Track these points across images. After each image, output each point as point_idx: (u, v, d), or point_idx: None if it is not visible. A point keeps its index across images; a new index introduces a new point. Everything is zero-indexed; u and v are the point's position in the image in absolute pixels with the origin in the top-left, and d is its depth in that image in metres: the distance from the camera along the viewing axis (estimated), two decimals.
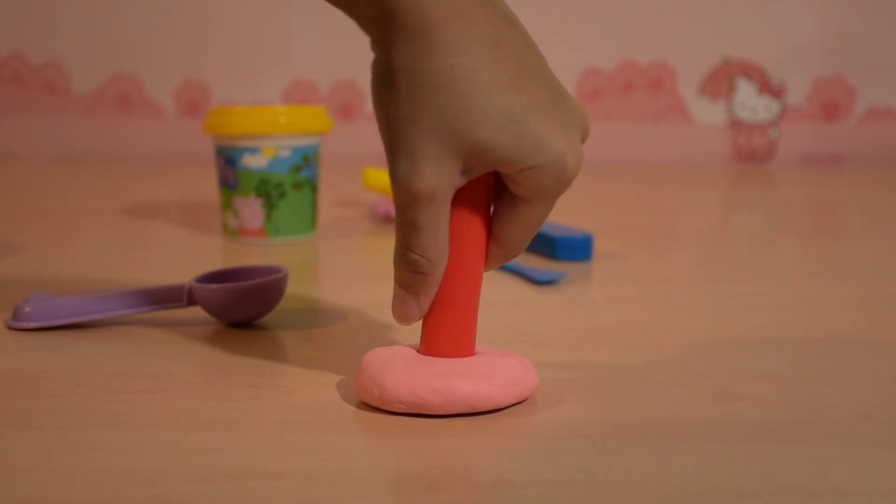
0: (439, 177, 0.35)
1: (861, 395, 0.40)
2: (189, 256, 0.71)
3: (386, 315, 0.53)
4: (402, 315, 0.38)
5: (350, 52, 1.51)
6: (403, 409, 0.37)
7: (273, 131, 0.72)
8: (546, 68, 0.36)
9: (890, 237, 0.81)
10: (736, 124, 1.52)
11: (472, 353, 0.40)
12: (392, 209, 0.87)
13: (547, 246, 0.70)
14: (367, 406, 0.39)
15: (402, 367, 0.38)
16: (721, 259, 0.71)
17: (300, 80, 1.52)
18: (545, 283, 0.62)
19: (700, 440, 0.35)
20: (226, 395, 0.40)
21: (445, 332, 0.39)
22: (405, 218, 0.36)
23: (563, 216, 0.92)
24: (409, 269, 0.37)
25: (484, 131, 0.34)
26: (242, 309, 0.49)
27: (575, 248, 0.69)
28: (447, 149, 0.35)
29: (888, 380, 0.42)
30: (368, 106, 1.53)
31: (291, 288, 0.60)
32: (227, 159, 0.74)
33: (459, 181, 0.36)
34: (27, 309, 0.49)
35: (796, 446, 0.35)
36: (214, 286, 0.49)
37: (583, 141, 0.37)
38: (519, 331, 0.50)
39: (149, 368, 0.43)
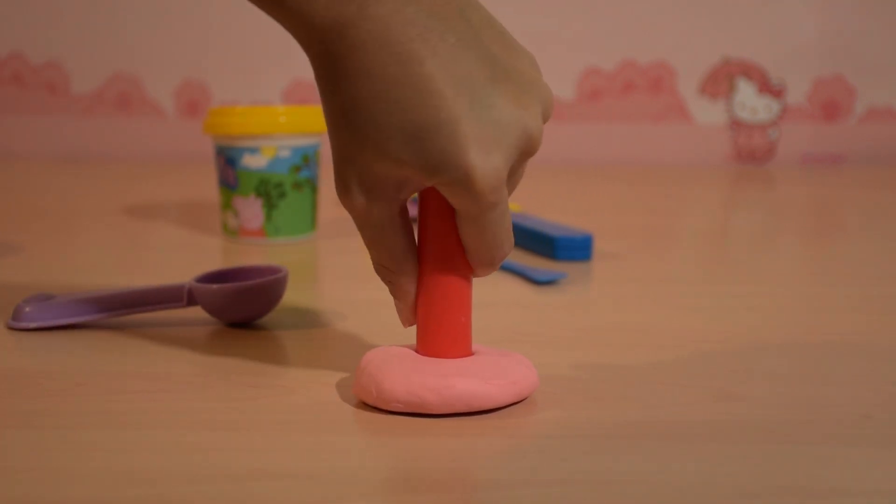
0: (367, 193, 0.36)
1: (861, 395, 0.40)
2: (189, 256, 0.71)
3: (386, 315, 0.53)
4: (402, 318, 0.41)
5: None
6: (401, 408, 0.37)
7: (273, 131, 0.72)
8: (480, 74, 0.35)
9: (890, 237, 0.81)
10: (736, 124, 1.52)
11: (469, 353, 0.40)
12: None
13: (547, 246, 0.70)
14: (366, 406, 0.39)
15: (400, 367, 0.38)
16: (721, 259, 0.71)
17: (300, 80, 1.52)
18: (545, 283, 0.62)
19: (700, 440, 0.35)
20: (226, 395, 0.40)
21: (439, 333, 0.39)
22: (361, 235, 0.39)
23: (563, 216, 0.92)
24: (381, 278, 0.40)
25: (392, 147, 0.35)
26: (242, 309, 0.49)
27: (575, 248, 0.69)
28: (364, 167, 0.36)
29: (888, 380, 0.42)
30: None
31: (291, 288, 0.60)
32: (227, 159, 0.74)
33: (395, 195, 0.37)
34: (27, 309, 0.49)
35: (796, 446, 0.35)
36: (214, 286, 0.49)
37: (527, 152, 0.36)
38: (519, 331, 0.50)
39: (149, 368, 0.43)
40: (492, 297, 0.58)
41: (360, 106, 0.35)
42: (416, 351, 0.40)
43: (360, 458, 0.33)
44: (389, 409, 0.37)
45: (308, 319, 0.52)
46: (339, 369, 0.43)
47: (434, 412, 0.37)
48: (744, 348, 0.47)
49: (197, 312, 0.53)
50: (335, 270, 0.66)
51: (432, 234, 0.38)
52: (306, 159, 0.75)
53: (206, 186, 1.16)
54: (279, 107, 0.73)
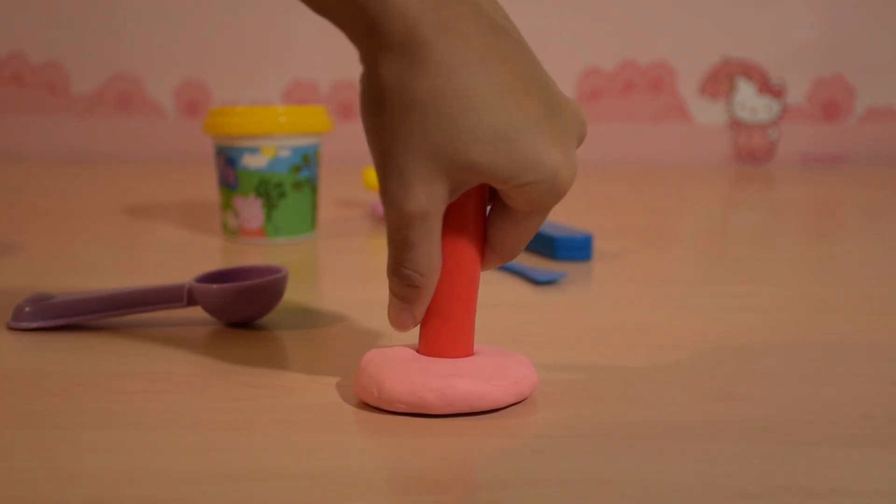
0: (430, 197, 0.35)
1: (861, 395, 0.40)
2: (189, 256, 0.71)
3: (386, 315, 0.53)
4: (397, 323, 0.39)
5: (350, 52, 1.51)
6: (403, 408, 0.37)
7: (273, 131, 0.72)
8: (541, 76, 0.35)
9: (890, 237, 0.81)
10: (736, 124, 1.52)
11: (470, 354, 0.40)
12: None
13: (547, 246, 0.70)
14: (366, 406, 0.39)
15: (401, 367, 0.38)
16: (721, 259, 0.71)
17: (300, 80, 1.52)
18: (545, 283, 0.62)
19: (700, 440, 0.35)
20: (226, 395, 0.40)
21: (443, 334, 0.39)
22: (397, 236, 0.36)
23: (563, 216, 0.92)
24: (402, 283, 0.37)
25: (474, 151, 0.34)
26: (242, 309, 0.49)
27: (575, 248, 0.69)
28: (437, 170, 0.34)
29: (888, 380, 0.42)
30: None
31: (291, 288, 0.60)
32: (227, 159, 0.74)
33: (451, 198, 0.36)
34: (27, 309, 0.49)
35: (796, 446, 0.35)
36: (214, 286, 0.49)
37: (578, 144, 0.36)
38: (519, 331, 0.50)
39: (149, 368, 0.43)
40: (492, 297, 0.58)
41: (441, 105, 0.33)
42: (417, 351, 0.40)
43: (360, 458, 0.33)
44: (391, 409, 0.37)
45: (308, 319, 0.52)
46: (339, 369, 0.43)
47: (435, 412, 0.37)
48: (744, 348, 0.47)
49: (197, 312, 0.53)
50: (335, 270, 0.66)
51: (444, 233, 0.38)
52: (306, 159, 0.75)
53: (206, 186, 1.16)
54: (279, 107, 0.73)
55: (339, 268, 0.67)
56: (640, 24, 1.50)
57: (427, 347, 0.39)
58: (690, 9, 1.49)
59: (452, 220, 0.38)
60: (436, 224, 0.36)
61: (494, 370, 0.38)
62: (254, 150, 0.73)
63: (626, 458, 0.33)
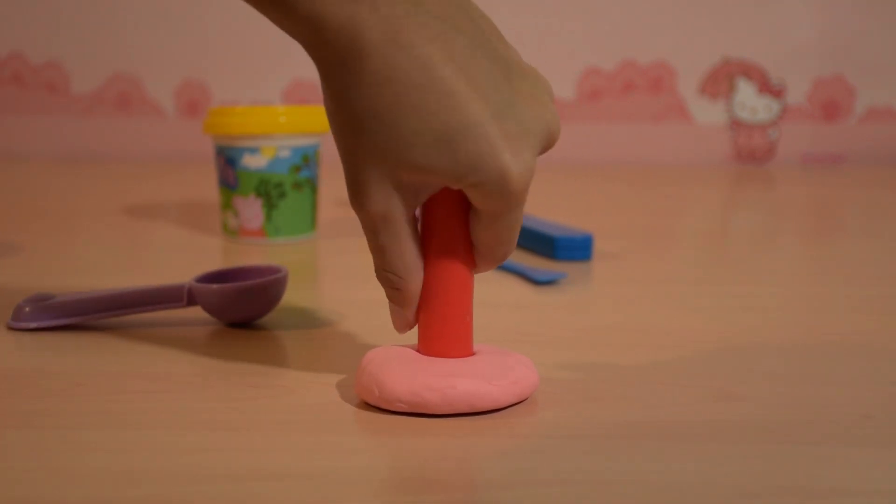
0: (386, 199, 0.36)
1: (861, 395, 0.40)
2: (189, 256, 0.71)
3: (386, 315, 0.53)
4: (396, 325, 0.40)
5: None
6: (403, 408, 0.37)
7: (273, 131, 0.72)
8: (495, 77, 0.35)
9: (890, 237, 0.81)
10: (736, 124, 1.52)
11: (470, 353, 0.40)
12: None
13: (547, 246, 0.70)
14: (367, 406, 0.39)
15: (402, 367, 0.38)
16: (721, 259, 0.71)
17: (300, 80, 1.52)
18: (545, 283, 0.62)
19: (700, 440, 0.35)
20: (226, 395, 0.40)
21: (441, 334, 0.39)
22: (370, 241, 0.38)
23: (563, 216, 0.92)
24: (385, 286, 0.39)
25: (416, 154, 0.34)
26: (242, 309, 0.49)
27: (575, 248, 0.69)
28: (386, 173, 0.35)
29: (888, 380, 0.42)
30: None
31: (291, 288, 0.60)
32: (227, 159, 0.74)
33: (414, 200, 0.37)
34: (27, 309, 0.49)
35: (796, 446, 0.35)
36: (214, 286, 0.49)
37: (545, 148, 0.36)
38: (519, 331, 0.50)
39: (149, 368, 0.43)
40: (492, 297, 0.58)
41: (379, 112, 0.34)
42: (417, 351, 0.40)
43: (360, 459, 0.33)
44: (392, 408, 0.37)
45: (308, 319, 0.52)
46: (339, 369, 0.43)
47: (436, 412, 0.37)
48: (744, 348, 0.47)
49: (197, 312, 0.53)
50: (335, 270, 0.66)
51: (436, 234, 0.38)
52: (306, 159, 0.75)
53: (206, 186, 1.16)
54: (279, 107, 0.73)
55: (339, 268, 0.67)
56: (640, 24, 1.50)
57: (427, 348, 0.39)
58: (690, 9, 1.49)
59: (439, 222, 0.38)
60: (401, 226, 0.37)
61: (495, 370, 0.38)
62: (254, 150, 0.73)
63: (626, 458, 0.33)
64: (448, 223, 0.38)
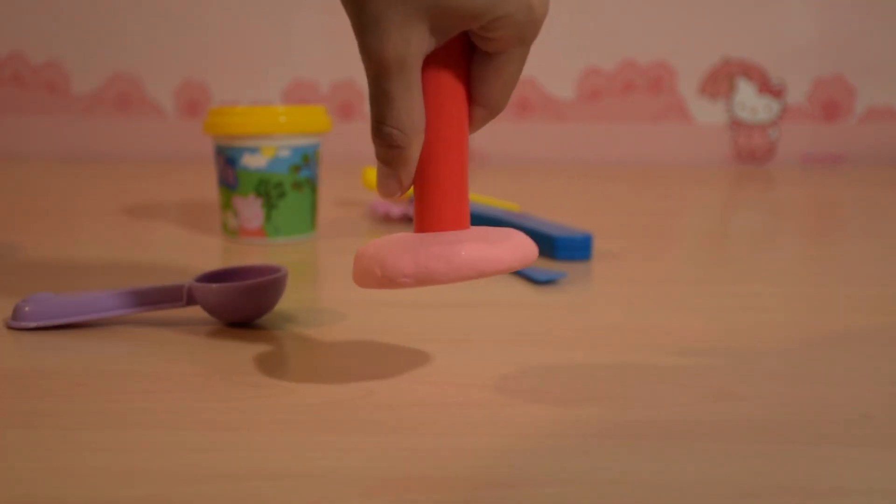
0: (406, 43, 0.35)
1: (861, 395, 0.40)
2: (189, 256, 0.71)
3: (386, 315, 0.53)
4: (384, 189, 0.39)
5: (350, 52, 1.51)
6: (409, 283, 0.35)
7: (273, 131, 0.72)
8: None
9: (890, 237, 0.81)
10: (736, 124, 1.52)
11: (467, 226, 0.39)
12: (392, 208, 0.87)
13: (547, 246, 0.70)
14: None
15: (402, 244, 0.36)
16: (721, 259, 0.71)
17: (300, 80, 1.52)
18: (545, 282, 0.62)
19: (700, 440, 0.35)
20: (226, 395, 0.40)
21: (438, 204, 0.38)
22: (378, 90, 0.36)
23: (564, 216, 0.92)
24: (385, 144, 0.37)
25: None
26: (242, 309, 0.49)
27: (575, 248, 0.69)
28: (410, 14, 0.35)
29: (888, 380, 0.42)
30: (368, 106, 1.53)
31: (291, 288, 0.60)
32: (227, 159, 0.74)
33: (427, 46, 0.36)
34: (27, 309, 0.49)
35: (796, 446, 0.35)
36: (214, 286, 0.49)
37: None
38: (519, 331, 0.50)
39: (149, 368, 0.43)
40: (492, 297, 0.58)
41: None
42: (415, 231, 0.39)
43: (359, 458, 0.33)
44: (396, 286, 0.35)
45: (308, 319, 0.52)
46: (339, 369, 0.43)
47: (443, 280, 0.35)
48: (744, 348, 0.47)
49: (197, 312, 0.53)
50: (335, 270, 0.66)
51: (435, 94, 0.37)
52: (306, 159, 0.75)
53: (206, 186, 1.16)
54: (279, 107, 0.73)
55: (339, 268, 0.67)
56: (640, 24, 1.50)
57: (422, 222, 0.38)
58: (690, 9, 1.49)
59: (434, 86, 0.37)
60: (415, 75, 0.36)
61: (497, 235, 0.37)
62: (254, 150, 0.73)
63: (626, 458, 0.33)
64: (440, 90, 0.37)
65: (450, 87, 0.37)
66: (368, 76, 0.36)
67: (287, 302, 0.56)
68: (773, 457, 0.34)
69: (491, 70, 0.37)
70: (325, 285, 0.62)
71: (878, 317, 0.54)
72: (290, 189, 0.74)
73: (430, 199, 0.38)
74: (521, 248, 0.37)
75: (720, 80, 1.51)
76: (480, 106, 0.39)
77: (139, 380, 0.42)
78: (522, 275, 0.64)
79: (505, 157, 1.53)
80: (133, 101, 1.54)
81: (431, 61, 0.37)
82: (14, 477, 0.32)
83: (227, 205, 0.75)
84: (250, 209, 0.74)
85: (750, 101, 1.51)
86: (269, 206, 0.74)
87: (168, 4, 1.52)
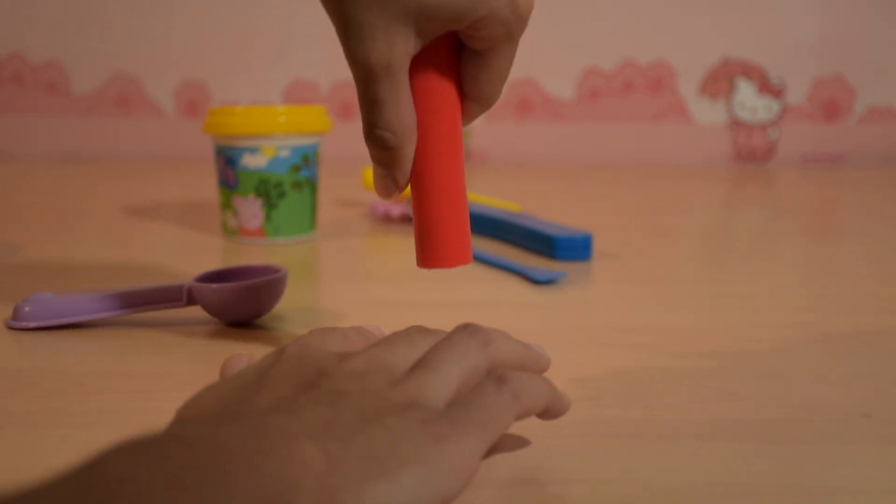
0: (391, 47, 0.35)
1: (861, 394, 0.40)
2: (189, 256, 0.71)
3: (386, 315, 0.53)
4: (381, 190, 0.39)
5: None
6: None
7: (273, 131, 0.72)
8: None
9: (890, 237, 0.81)
10: (736, 124, 1.52)
11: (465, 220, 0.39)
12: (392, 208, 0.87)
13: (547, 246, 0.70)
14: None
15: None
16: (721, 259, 0.71)
17: (300, 80, 1.52)
18: (545, 282, 0.62)
19: (700, 440, 0.35)
20: None
21: (435, 201, 0.38)
22: (366, 94, 0.37)
23: (563, 216, 0.92)
24: (378, 147, 0.38)
25: None
26: (242, 309, 0.49)
27: (575, 248, 0.69)
28: (394, 18, 0.35)
29: (888, 380, 0.42)
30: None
31: (291, 288, 0.60)
32: (227, 159, 0.74)
33: (413, 47, 0.36)
34: (27, 309, 0.49)
35: (796, 446, 0.35)
36: (214, 286, 0.49)
37: None
38: (519, 331, 0.50)
39: (149, 368, 0.43)
40: (492, 297, 0.58)
41: None
42: (417, 264, 0.39)
43: None
44: None
45: (308, 319, 0.52)
46: None
47: None
48: (744, 348, 0.47)
49: (197, 312, 0.53)
50: (335, 270, 0.66)
51: (425, 101, 0.37)
52: (306, 159, 0.75)
53: (206, 186, 1.16)
54: (279, 107, 0.73)
55: (339, 268, 0.67)
56: (640, 23, 1.50)
57: (420, 219, 0.38)
58: (690, 9, 1.49)
59: (424, 78, 0.37)
60: (402, 77, 0.36)
61: None
62: (253, 150, 0.73)
63: (626, 458, 0.33)
64: (430, 79, 0.37)
65: (439, 85, 0.38)
66: (356, 81, 0.37)
67: (287, 302, 0.56)
68: (773, 457, 0.34)
69: (480, 67, 0.37)
70: (325, 285, 0.62)
71: (878, 317, 0.54)
72: (289, 189, 0.74)
73: (428, 197, 0.38)
74: None
75: (720, 80, 1.51)
76: (473, 101, 0.39)
77: (139, 380, 0.42)
78: (522, 274, 0.64)
79: (505, 157, 1.53)
80: (133, 101, 1.54)
81: (419, 61, 0.37)
82: (14, 477, 0.32)
83: (226, 205, 0.75)
84: (250, 209, 0.74)
85: (750, 101, 1.51)
86: (269, 205, 0.74)
87: (168, 4, 1.52)
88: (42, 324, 0.49)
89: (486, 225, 0.79)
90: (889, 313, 0.54)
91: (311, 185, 0.76)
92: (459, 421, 0.28)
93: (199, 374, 0.43)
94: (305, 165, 0.75)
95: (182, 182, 1.21)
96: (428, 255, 0.39)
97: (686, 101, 1.51)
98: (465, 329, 0.33)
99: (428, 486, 0.25)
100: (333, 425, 0.26)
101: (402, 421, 0.27)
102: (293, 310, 0.54)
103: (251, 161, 0.73)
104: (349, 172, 1.30)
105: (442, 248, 0.39)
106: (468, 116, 0.39)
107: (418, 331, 0.34)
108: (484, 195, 1.06)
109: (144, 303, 0.50)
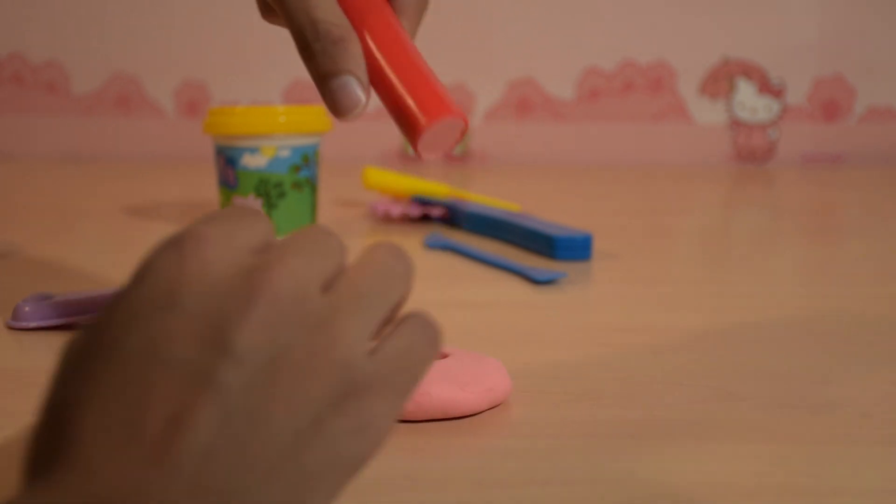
0: None
1: (860, 394, 0.40)
2: None
3: None
4: (348, 99, 0.36)
5: None
6: None
7: (273, 131, 0.72)
8: None
9: (890, 237, 0.81)
10: (736, 124, 1.52)
11: (450, 108, 0.37)
12: (392, 208, 0.87)
13: (547, 246, 0.70)
14: None
15: None
16: (721, 259, 0.71)
17: (300, 80, 1.52)
18: (545, 282, 0.62)
19: (700, 440, 0.35)
20: None
21: (410, 94, 0.37)
22: (300, 7, 0.36)
23: (563, 216, 0.92)
24: (328, 41, 0.36)
25: None
26: None
27: (574, 248, 0.69)
28: None
29: (887, 380, 0.42)
30: (369, 106, 1.53)
31: None
32: (227, 159, 0.74)
33: None
34: (27, 309, 0.49)
35: (796, 446, 0.35)
36: None
37: None
38: (519, 331, 0.50)
39: None
40: (492, 297, 0.58)
41: None
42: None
43: None
44: None
45: None
46: None
47: (411, 419, 0.37)
48: (744, 348, 0.47)
49: None
50: None
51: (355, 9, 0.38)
52: (306, 159, 0.75)
53: (206, 186, 1.16)
54: (279, 107, 0.73)
55: None
56: (640, 23, 1.50)
57: (401, 120, 0.37)
58: (690, 9, 1.49)
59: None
60: None
61: (468, 376, 0.38)
62: (253, 150, 0.73)
63: (626, 458, 0.33)
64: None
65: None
66: (288, 7, 0.36)
67: None
68: (773, 457, 0.34)
69: None
70: None
71: (879, 317, 0.54)
72: (289, 189, 0.74)
73: (397, 95, 0.37)
74: (494, 392, 0.38)
75: (720, 80, 1.51)
76: (405, 13, 0.39)
77: None
78: (522, 274, 0.64)
79: (505, 157, 1.53)
80: (133, 101, 1.54)
81: None
82: (14, 477, 0.32)
83: (227, 205, 0.75)
84: None
85: (750, 101, 1.51)
86: (269, 206, 0.74)
87: (168, 4, 1.52)
88: (42, 324, 0.49)
89: (486, 225, 0.79)
90: (889, 313, 0.54)
91: (311, 185, 0.76)
92: None
93: None
94: (305, 165, 0.75)
95: (182, 182, 1.21)
96: (412, 123, 0.37)
97: (686, 101, 1.51)
98: None
99: None
100: None
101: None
102: None
103: (251, 161, 0.73)
104: (349, 172, 1.30)
105: (422, 108, 0.37)
106: (406, 17, 0.39)
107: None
108: (484, 195, 1.06)
109: None
